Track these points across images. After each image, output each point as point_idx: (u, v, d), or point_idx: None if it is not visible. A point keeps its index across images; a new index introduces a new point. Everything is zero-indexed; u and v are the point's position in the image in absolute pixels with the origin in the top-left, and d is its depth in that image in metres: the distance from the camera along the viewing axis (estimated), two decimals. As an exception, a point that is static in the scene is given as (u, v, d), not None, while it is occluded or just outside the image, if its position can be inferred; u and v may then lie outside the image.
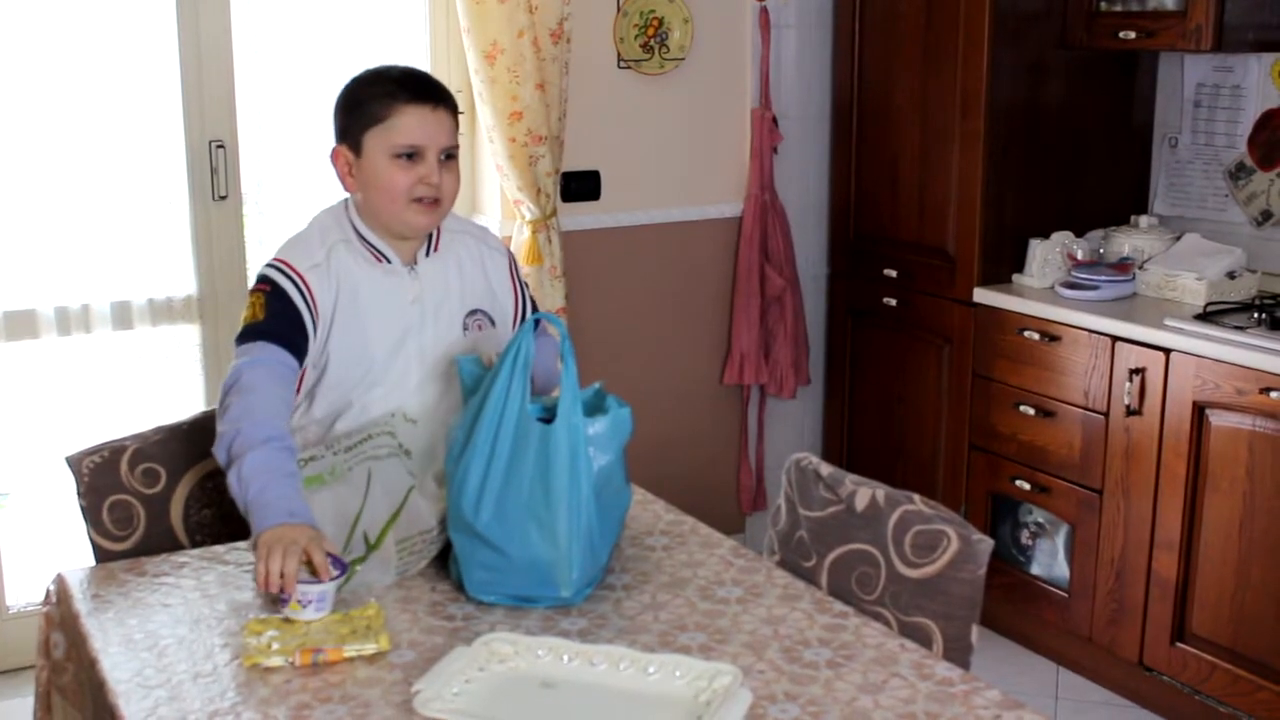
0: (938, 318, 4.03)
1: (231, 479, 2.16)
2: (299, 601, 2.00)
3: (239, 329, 2.37)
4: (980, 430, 3.90)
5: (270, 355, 2.31)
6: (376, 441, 2.33)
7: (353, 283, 2.42)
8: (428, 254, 2.48)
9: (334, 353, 2.41)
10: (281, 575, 1.99)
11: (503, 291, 2.58)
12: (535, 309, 2.59)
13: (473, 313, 2.51)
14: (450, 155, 2.41)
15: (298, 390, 2.41)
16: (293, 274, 2.38)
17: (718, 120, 4.28)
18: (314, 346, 2.39)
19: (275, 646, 1.93)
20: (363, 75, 2.45)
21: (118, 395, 3.78)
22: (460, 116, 4.03)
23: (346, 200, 2.49)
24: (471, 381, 2.23)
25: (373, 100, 2.37)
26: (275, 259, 2.42)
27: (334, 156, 2.43)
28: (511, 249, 3.89)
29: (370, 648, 1.95)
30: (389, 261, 2.44)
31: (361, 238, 2.44)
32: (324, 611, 2.02)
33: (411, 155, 2.36)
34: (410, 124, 2.36)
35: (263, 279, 2.40)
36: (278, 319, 2.35)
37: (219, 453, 2.22)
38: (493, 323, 2.54)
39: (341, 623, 2.00)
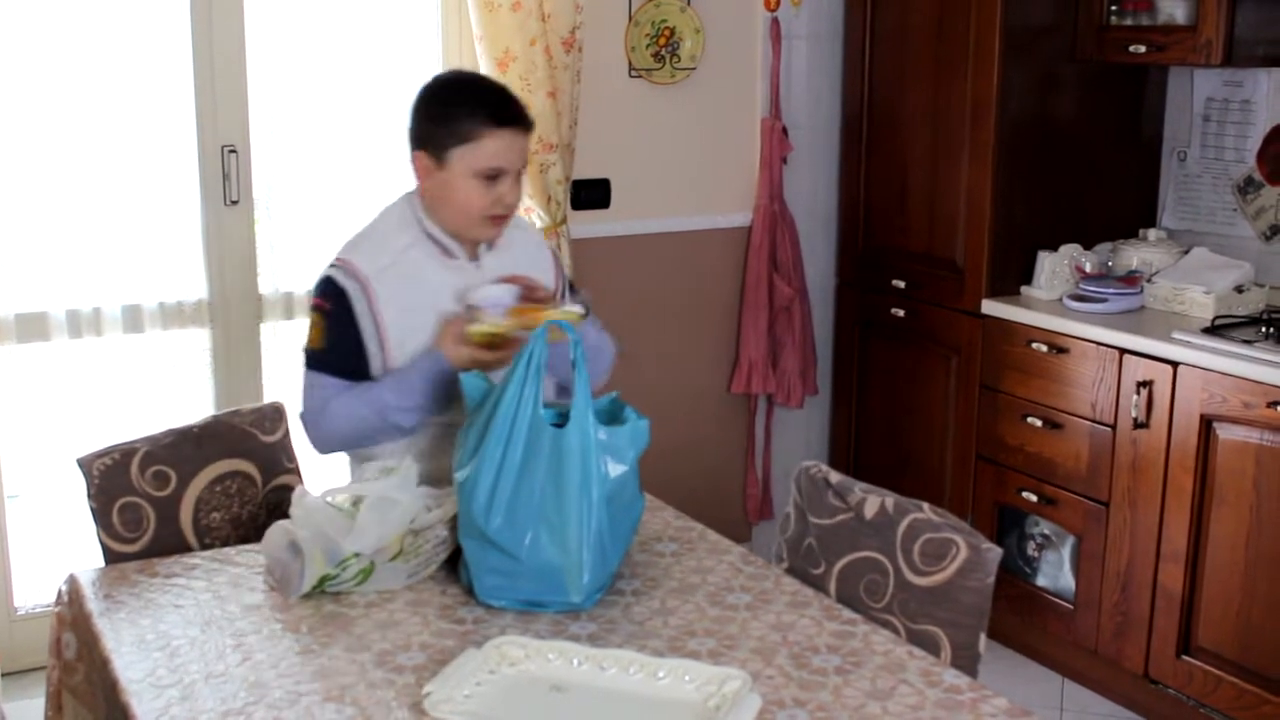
0: (946, 329, 4.04)
1: (398, 414, 2.42)
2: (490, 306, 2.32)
3: (304, 344, 2.50)
4: (987, 441, 3.91)
5: (336, 385, 2.46)
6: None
7: (422, 281, 2.48)
8: (490, 247, 2.56)
9: (399, 349, 2.47)
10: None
11: (549, 281, 2.64)
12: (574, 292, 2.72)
13: None
14: (520, 171, 2.50)
15: None
16: (357, 278, 2.45)
17: (728, 130, 4.30)
18: (384, 351, 2.46)
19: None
20: (450, 85, 2.54)
21: (128, 398, 3.79)
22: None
23: (410, 196, 2.55)
24: (478, 395, 2.23)
25: (463, 118, 2.42)
26: (341, 260, 2.49)
27: (414, 158, 2.49)
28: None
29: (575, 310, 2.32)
30: (455, 257, 2.53)
31: (429, 236, 2.51)
32: (503, 309, 2.34)
33: (493, 176, 2.43)
34: (498, 148, 2.42)
35: (325, 290, 2.46)
36: (337, 349, 2.46)
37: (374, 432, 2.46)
38: None
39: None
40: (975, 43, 3.84)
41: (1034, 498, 3.76)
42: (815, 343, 4.46)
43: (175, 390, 3.83)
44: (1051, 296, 3.82)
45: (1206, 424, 3.30)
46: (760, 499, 4.53)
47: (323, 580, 2.17)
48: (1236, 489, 3.26)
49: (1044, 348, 3.69)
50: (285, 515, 2.28)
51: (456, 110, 2.43)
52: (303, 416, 2.51)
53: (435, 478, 2.39)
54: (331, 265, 2.50)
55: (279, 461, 2.70)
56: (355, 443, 2.51)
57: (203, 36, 3.67)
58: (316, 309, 2.48)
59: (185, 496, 2.54)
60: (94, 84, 3.60)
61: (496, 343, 2.36)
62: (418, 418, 2.44)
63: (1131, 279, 3.74)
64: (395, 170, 4.02)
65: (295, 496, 2.28)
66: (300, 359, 2.54)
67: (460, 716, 1.75)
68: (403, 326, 2.46)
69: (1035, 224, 3.92)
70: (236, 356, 3.84)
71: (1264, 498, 3.20)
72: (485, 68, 3.75)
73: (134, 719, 1.81)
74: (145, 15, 3.63)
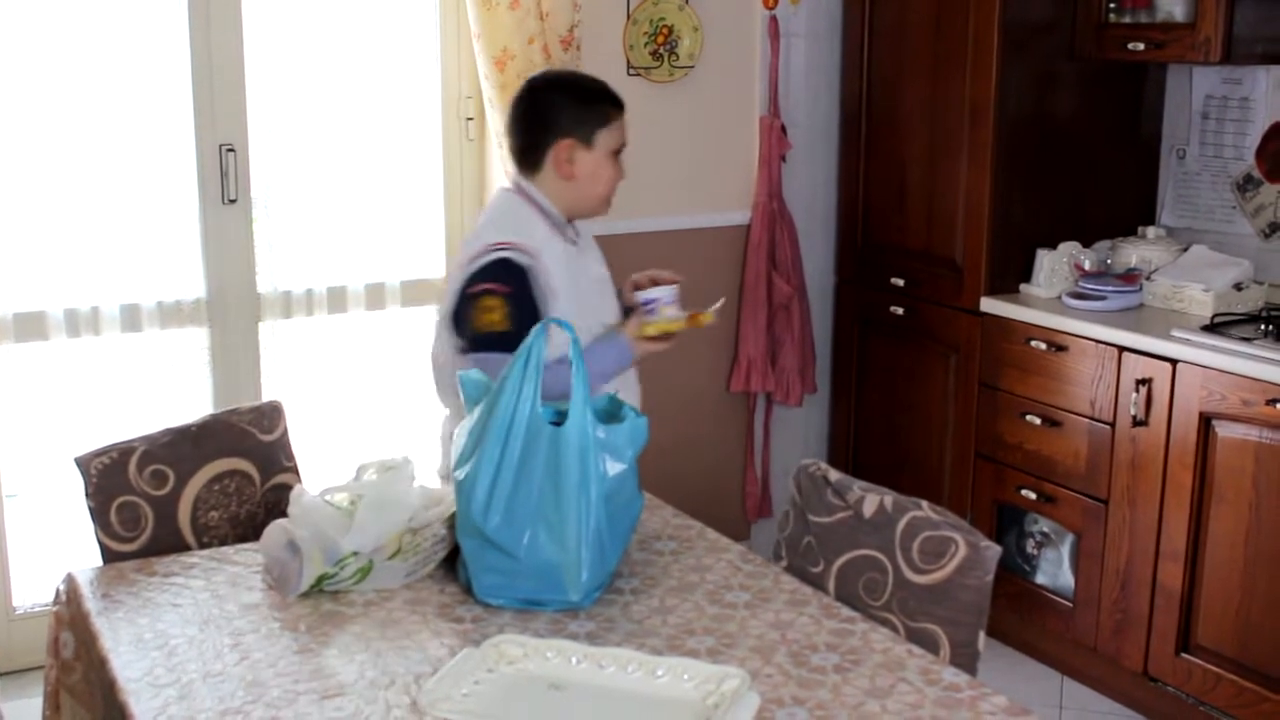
0: (945, 327, 4.04)
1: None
2: (664, 304, 2.72)
3: (477, 329, 2.62)
4: (986, 439, 3.91)
5: None
6: None
7: (563, 260, 2.74)
8: (577, 232, 2.86)
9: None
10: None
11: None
12: None
13: None
14: None
15: None
16: (530, 255, 2.67)
17: (726, 128, 4.29)
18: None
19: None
20: (580, 79, 2.93)
21: (126, 397, 3.79)
22: (470, 122, 4.10)
23: (518, 189, 2.82)
24: (477, 394, 2.23)
25: (603, 103, 2.81)
26: (507, 243, 2.66)
27: (560, 146, 2.77)
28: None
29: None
30: (567, 240, 2.80)
31: (552, 220, 2.78)
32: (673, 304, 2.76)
33: (618, 153, 2.82)
34: (623, 125, 2.84)
35: (500, 272, 2.62)
36: (523, 327, 2.53)
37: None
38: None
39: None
40: (974, 40, 3.84)
41: (1033, 495, 3.76)
42: (814, 341, 4.46)
43: (173, 389, 3.82)
44: (1050, 294, 3.81)
45: (1205, 422, 3.30)
46: (759, 497, 4.53)
47: (321, 579, 2.17)
48: (1236, 487, 3.25)
49: (1043, 345, 3.68)
50: (283, 514, 2.28)
51: (596, 99, 2.81)
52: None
53: None
54: (495, 249, 2.64)
55: (277, 460, 2.70)
56: None
57: (200, 35, 3.67)
58: (491, 293, 2.61)
59: (183, 495, 2.53)
60: (92, 83, 3.60)
61: (666, 336, 2.77)
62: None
63: (1130, 277, 3.74)
64: (393, 167, 4.04)
65: (293, 495, 2.28)
66: (471, 344, 2.65)
67: (458, 715, 1.75)
68: (563, 300, 2.66)
69: (1034, 222, 3.92)
70: (234, 355, 3.84)
71: (1263, 495, 3.20)
72: (483, 66, 3.74)
73: (132, 718, 1.81)
74: (143, 14, 3.63)
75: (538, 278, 2.66)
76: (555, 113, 2.78)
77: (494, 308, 2.60)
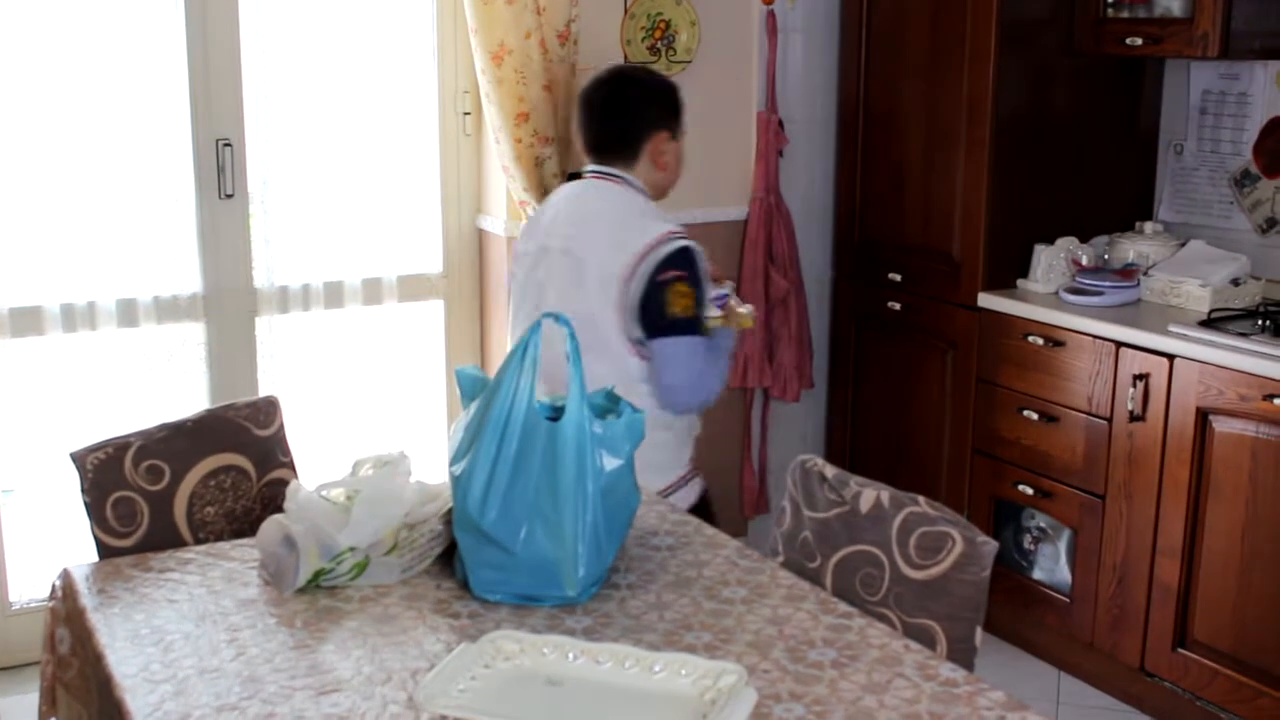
0: (942, 322, 4.03)
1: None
2: (734, 300, 2.92)
3: (675, 314, 2.79)
4: (983, 435, 3.91)
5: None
6: None
7: None
8: None
9: None
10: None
11: None
12: None
13: None
14: None
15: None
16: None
17: (724, 123, 4.28)
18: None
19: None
20: (653, 74, 3.12)
21: (122, 392, 3.78)
22: (467, 117, 4.09)
23: (622, 178, 2.98)
24: (473, 389, 2.23)
25: (677, 95, 3.05)
26: (674, 231, 2.84)
27: (657, 138, 2.99)
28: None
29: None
30: None
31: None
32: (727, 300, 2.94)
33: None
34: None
35: (682, 260, 2.81)
36: (701, 315, 2.85)
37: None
38: None
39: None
40: (971, 35, 3.83)
41: (1030, 491, 3.76)
42: (811, 336, 4.45)
43: (169, 384, 3.82)
44: (1048, 290, 3.81)
45: (1202, 417, 3.30)
46: (756, 493, 4.52)
47: (317, 574, 2.16)
48: (1233, 482, 3.26)
49: (1040, 341, 3.68)
50: (280, 509, 2.27)
51: (673, 90, 3.03)
52: (689, 381, 2.82)
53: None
54: (674, 237, 2.81)
55: (273, 455, 2.69)
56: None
57: (197, 29, 3.66)
58: (682, 279, 2.78)
59: (179, 491, 2.53)
60: (88, 78, 3.59)
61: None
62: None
63: (1128, 272, 3.74)
64: (390, 162, 4.03)
65: (290, 490, 2.27)
66: (664, 329, 2.80)
67: (455, 711, 1.75)
68: None
69: (1031, 217, 3.92)
70: (231, 350, 3.84)
71: (1260, 491, 3.20)
72: (480, 61, 3.74)
73: (128, 714, 1.80)
74: (140, 9, 3.62)
75: (701, 263, 2.86)
76: (646, 106, 2.99)
77: (686, 294, 2.78)
